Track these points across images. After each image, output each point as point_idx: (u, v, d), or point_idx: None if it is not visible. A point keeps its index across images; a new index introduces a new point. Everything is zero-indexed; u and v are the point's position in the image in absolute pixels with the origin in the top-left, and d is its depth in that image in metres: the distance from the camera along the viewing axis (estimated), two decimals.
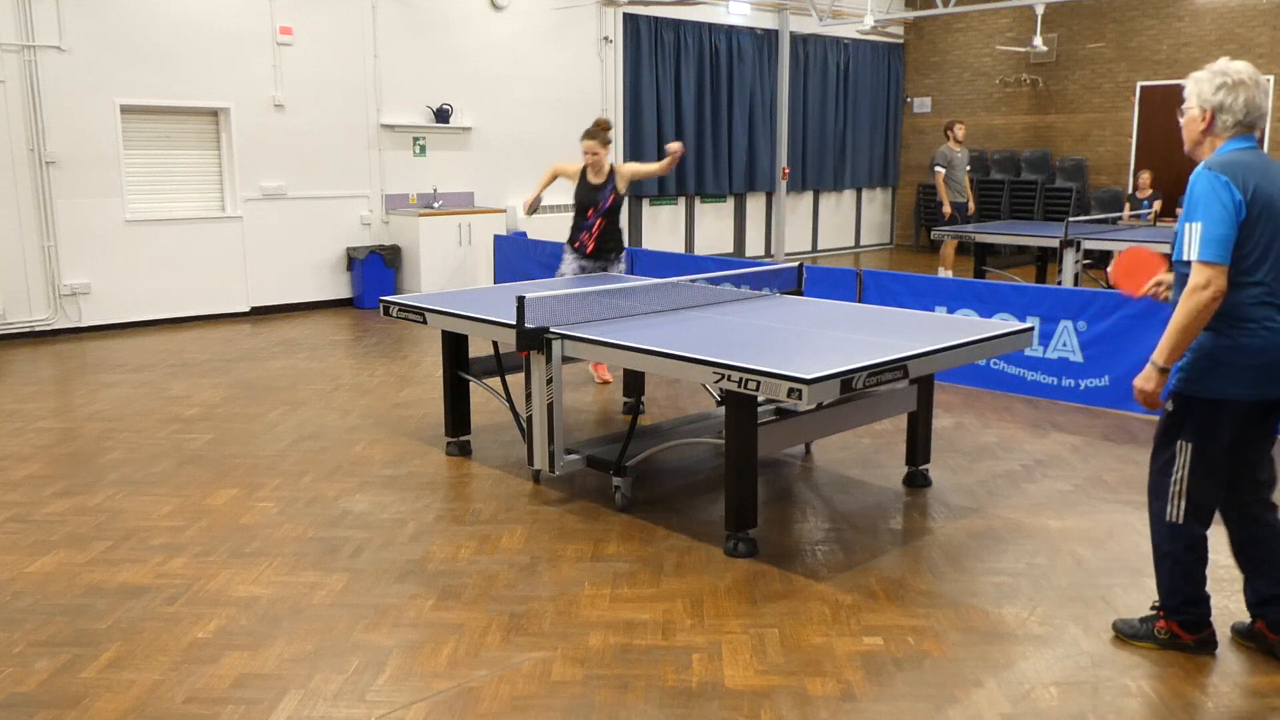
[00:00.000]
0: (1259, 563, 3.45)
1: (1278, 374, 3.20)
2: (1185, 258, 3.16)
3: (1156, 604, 3.57)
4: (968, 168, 12.56)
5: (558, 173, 7.17)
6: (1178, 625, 3.50)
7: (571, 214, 7.21)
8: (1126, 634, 3.61)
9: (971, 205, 12.65)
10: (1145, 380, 3.25)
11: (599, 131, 6.98)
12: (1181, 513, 3.38)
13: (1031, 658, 3.51)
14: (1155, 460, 3.45)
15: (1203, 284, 3.09)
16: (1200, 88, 3.29)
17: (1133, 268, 3.80)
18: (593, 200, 6.99)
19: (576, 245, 7.09)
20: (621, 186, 7.03)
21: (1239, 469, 3.40)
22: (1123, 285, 3.83)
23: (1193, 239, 3.13)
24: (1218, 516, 3.46)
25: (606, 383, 7.40)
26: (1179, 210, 3.39)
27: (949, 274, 12.06)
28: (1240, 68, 3.26)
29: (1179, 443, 3.34)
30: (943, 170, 12.35)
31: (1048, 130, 16.12)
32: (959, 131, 12.34)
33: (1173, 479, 3.37)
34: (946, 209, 12.36)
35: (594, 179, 7.02)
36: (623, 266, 7.33)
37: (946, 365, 4.57)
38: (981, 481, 5.36)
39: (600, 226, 7.02)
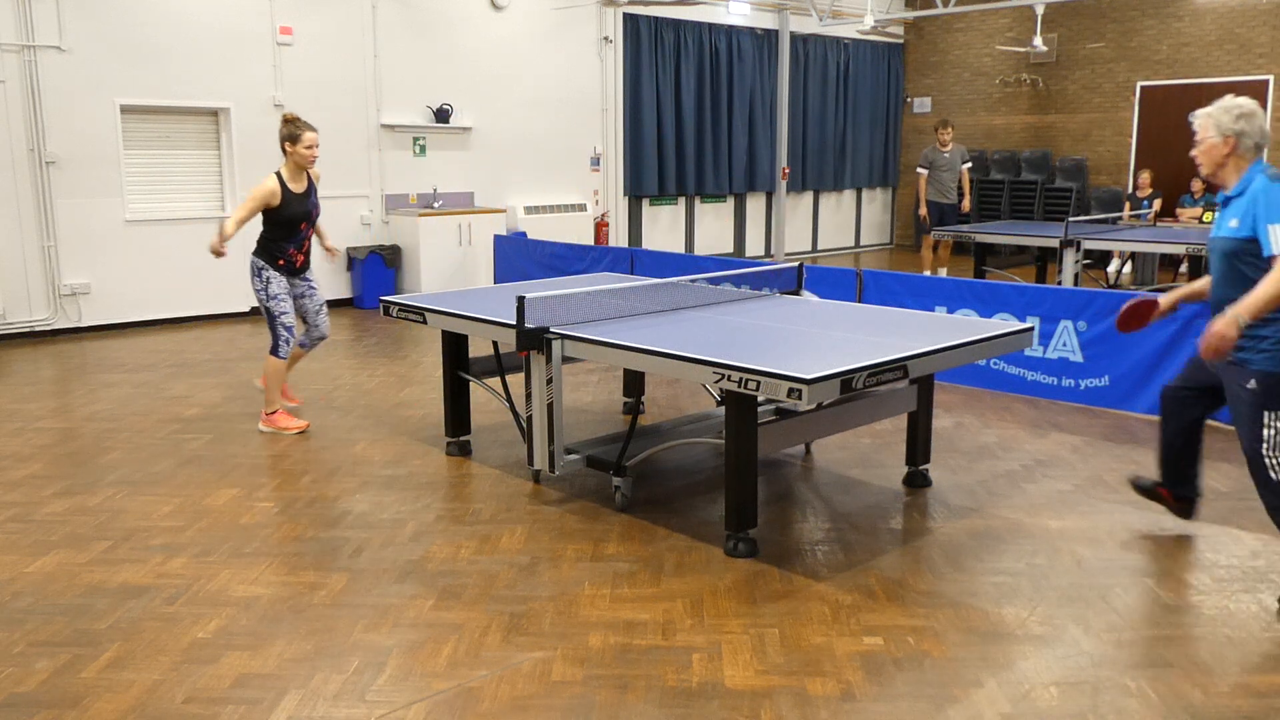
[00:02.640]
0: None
1: None
2: (1273, 253, 3.65)
3: None
4: (967, 164, 12.55)
5: (264, 201, 6.06)
6: None
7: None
8: None
9: (965, 204, 12.65)
10: (1229, 327, 3.62)
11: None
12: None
13: (1031, 658, 3.51)
14: (1248, 436, 3.86)
15: None
16: (1219, 119, 3.88)
17: (1131, 317, 4.43)
18: (305, 211, 6.20)
19: (283, 263, 6.19)
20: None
21: None
22: (1128, 329, 4.47)
23: (1277, 236, 3.66)
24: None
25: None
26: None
27: (943, 273, 12.09)
28: (1248, 100, 3.89)
29: (1266, 414, 3.80)
30: (925, 172, 12.37)
31: (1048, 130, 16.12)
32: (944, 133, 12.34)
33: (1266, 445, 3.82)
34: (923, 210, 12.40)
35: (298, 188, 6.16)
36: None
37: (946, 365, 4.57)
38: (981, 481, 5.36)
39: (310, 239, 6.34)
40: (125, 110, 9.68)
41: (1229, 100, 3.89)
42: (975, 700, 3.24)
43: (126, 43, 9.60)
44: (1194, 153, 4.00)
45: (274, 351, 6.21)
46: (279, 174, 6.11)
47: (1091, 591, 4.03)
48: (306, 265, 6.34)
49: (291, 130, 6.08)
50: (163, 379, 7.72)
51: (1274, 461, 3.80)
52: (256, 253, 6.19)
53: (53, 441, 6.11)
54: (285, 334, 6.18)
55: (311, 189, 6.26)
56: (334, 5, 10.93)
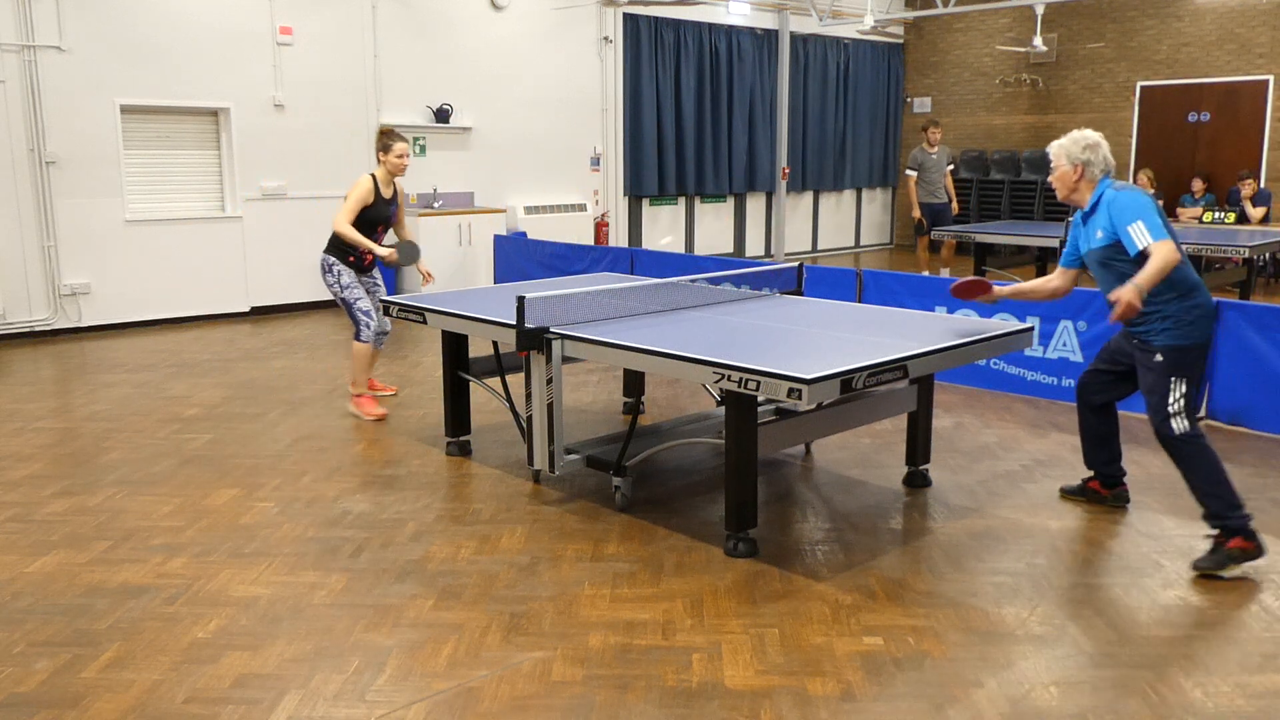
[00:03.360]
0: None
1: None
2: (1142, 247, 4.15)
3: (1215, 529, 4.24)
4: (950, 166, 12.55)
5: (362, 199, 6.48)
6: (1241, 538, 4.17)
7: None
8: (1211, 566, 4.19)
9: (955, 205, 12.65)
10: (1135, 296, 4.00)
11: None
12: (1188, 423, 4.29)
13: (1031, 658, 3.51)
14: (1158, 403, 4.31)
15: (1170, 250, 4.09)
16: (1069, 149, 4.43)
17: (969, 290, 4.88)
18: (386, 215, 6.62)
19: (352, 260, 6.59)
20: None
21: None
22: (964, 296, 4.91)
23: (1141, 231, 4.16)
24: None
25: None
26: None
27: (946, 273, 12.08)
28: (1093, 133, 4.46)
29: (1172, 379, 4.28)
30: (913, 174, 12.35)
31: (1048, 130, 16.10)
32: (933, 134, 12.32)
33: (1170, 402, 4.28)
34: (915, 213, 12.38)
35: (386, 193, 6.59)
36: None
37: (946, 365, 4.58)
38: (981, 481, 5.36)
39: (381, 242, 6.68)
40: (125, 110, 9.68)
41: (1077, 133, 4.46)
42: (975, 700, 3.24)
43: (126, 43, 9.60)
44: (1050, 179, 4.55)
45: (357, 337, 6.64)
46: (373, 176, 6.54)
47: (1091, 591, 4.03)
48: (374, 264, 6.74)
49: (384, 141, 6.51)
50: (163, 379, 7.72)
51: (1177, 414, 4.24)
52: (328, 250, 6.57)
53: (53, 441, 6.11)
54: (364, 318, 6.58)
55: (395, 198, 6.68)
56: (334, 5, 10.93)
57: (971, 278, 4.93)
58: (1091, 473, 5.00)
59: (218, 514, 4.90)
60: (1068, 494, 5.09)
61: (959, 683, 3.35)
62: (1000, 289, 4.88)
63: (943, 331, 4.76)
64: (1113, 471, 4.95)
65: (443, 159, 11.97)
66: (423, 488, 5.28)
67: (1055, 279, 4.76)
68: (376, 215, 6.53)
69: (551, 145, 13.03)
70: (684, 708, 3.20)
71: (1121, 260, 4.29)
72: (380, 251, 6.46)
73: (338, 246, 6.53)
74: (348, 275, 6.56)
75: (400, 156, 6.47)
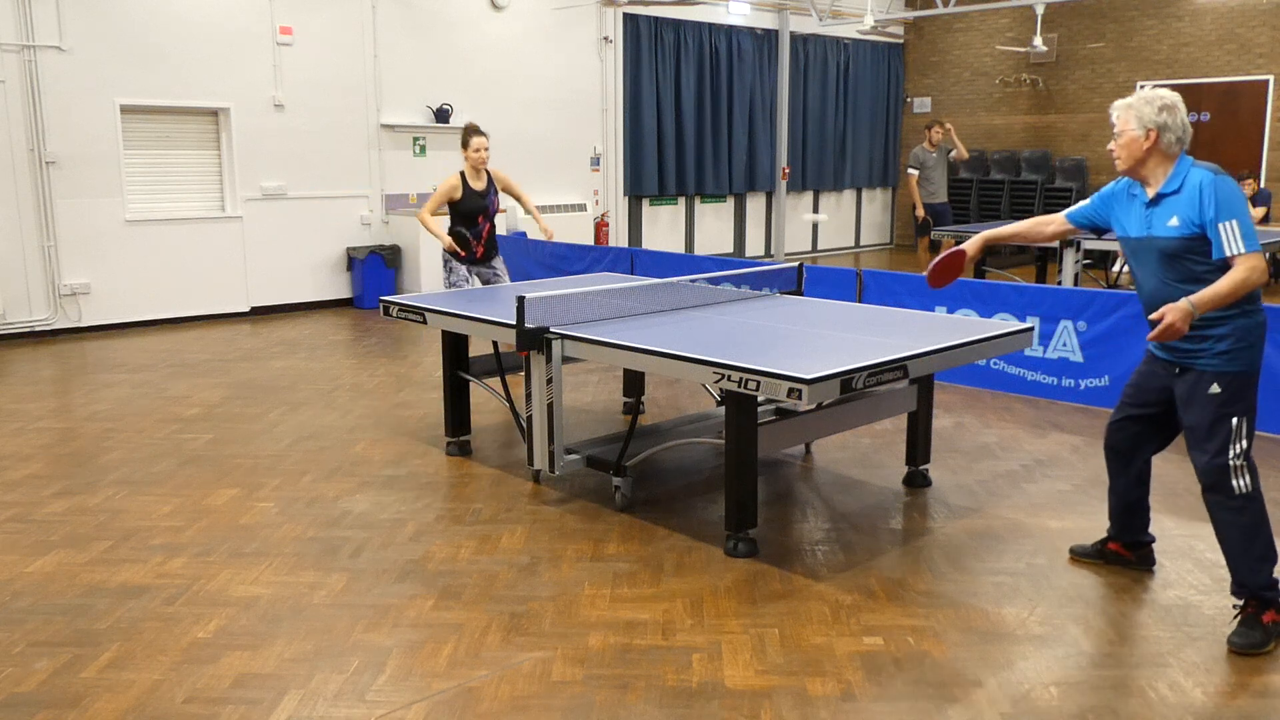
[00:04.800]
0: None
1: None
2: (1230, 254, 3.44)
3: (1243, 599, 3.62)
4: (951, 152, 12.52)
5: (447, 194, 6.99)
6: (1274, 610, 3.57)
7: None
8: (1254, 646, 3.53)
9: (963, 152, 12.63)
10: (1184, 320, 3.39)
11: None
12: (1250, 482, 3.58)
13: (1031, 658, 3.51)
14: (1213, 449, 3.57)
15: (1259, 266, 3.42)
16: (1140, 111, 3.68)
17: (943, 272, 4.22)
18: (483, 206, 7.05)
19: (464, 254, 7.07)
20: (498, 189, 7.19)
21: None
22: (940, 284, 4.27)
23: (1235, 234, 3.44)
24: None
25: None
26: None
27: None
28: (1170, 92, 3.70)
29: (1233, 420, 3.55)
30: (915, 173, 12.34)
31: (1048, 130, 16.12)
32: (935, 134, 12.30)
33: (1232, 454, 3.55)
34: (919, 212, 12.37)
35: (478, 185, 7.02)
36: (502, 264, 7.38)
37: (946, 365, 4.57)
38: (981, 481, 5.36)
39: (489, 231, 7.14)
40: (125, 110, 9.68)
41: (1150, 92, 3.72)
42: (975, 700, 3.24)
43: (126, 43, 9.60)
44: (1111, 146, 3.78)
45: None
46: (462, 173, 7.01)
47: (1091, 591, 4.03)
48: (490, 254, 7.18)
49: (464, 136, 6.99)
50: (163, 379, 7.72)
51: (1240, 468, 3.53)
52: (446, 247, 7.08)
53: (53, 441, 6.11)
54: None
55: (491, 187, 7.08)
56: (334, 5, 10.93)
57: (939, 257, 4.22)
58: (1109, 533, 4.25)
59: (218, 514, 4.90)
60: (1080, 557, 4.30)
61: (959, 683, 3.35)
62: (976, 239, 4.21)
63: (943, 331, 4.76)
64: (1144, 539, 4.21)
65: (443, 159, 11.96)
66: (423, 488, 5.28)
67: (1052, 225, 4.12)
68: (471, 206, 6.99)
69: (551, 145, 13.03)
70: (684, 708, 3.20)
71: (1198, 260, 3.52)
72: (443, 240, 6.95)
73: (453, 240, 7.03)
74: (457, 273, 7.05)
75: (476, 150, 6.91)
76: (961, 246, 4.18)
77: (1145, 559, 4.21)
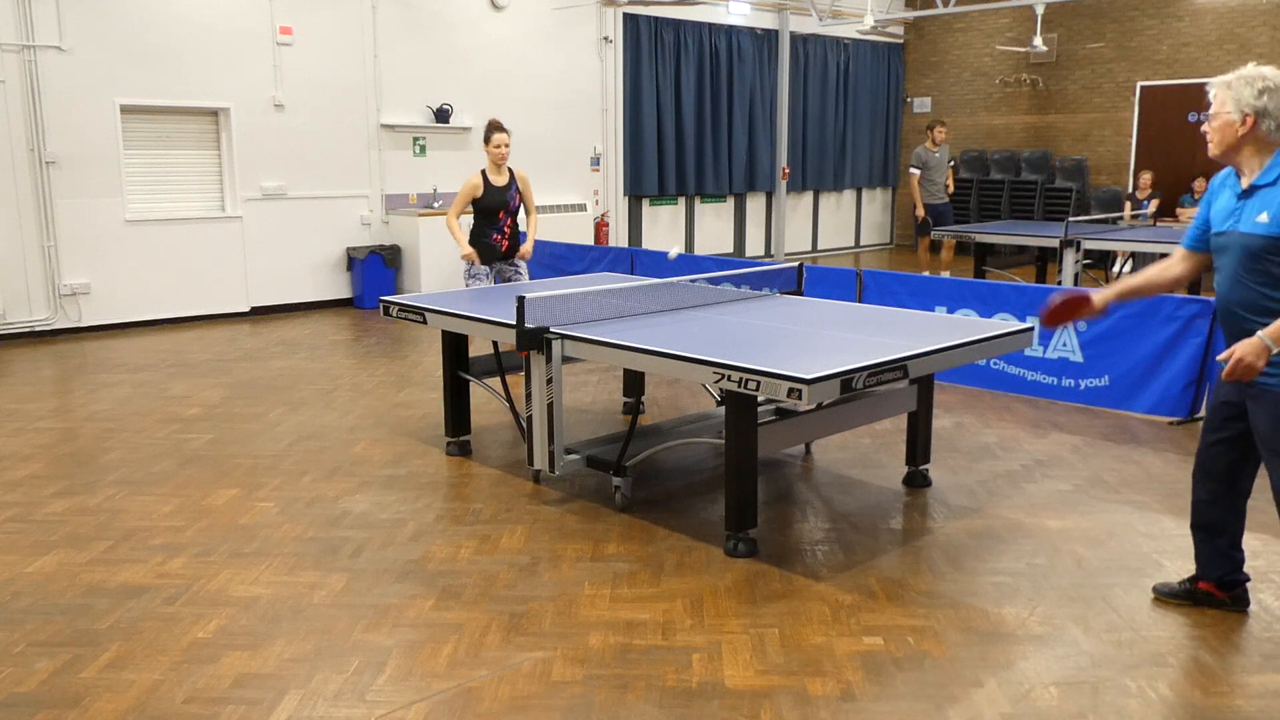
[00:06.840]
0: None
1: None
2: None
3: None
4: (951, 163, 12.54)
5: (469, 193, 7.17)
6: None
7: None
8: (1171, 595, 3.68)
9: (950, 185, 12.65)
10: (1259, 357, 3.16)
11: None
12: None
13: (1031, 658, 3.51)
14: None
15: None
16: (1239, 93, 3.28)
17: (1061, 313, 3.79)
18: (504, 201, 7.17)
19: (488, 246, 7.19)
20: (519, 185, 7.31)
21: None
22: (1054, 324, 3.85)
23: None
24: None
25: None
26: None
27: (946, 274, 12.08)
28: (1275, 72, 3.27)
29: None
30: (917, 172, 12.34)
31: (1048, 130, 16.12)
32: (938, 134, 12.31)
33: None
34: (920, 211, 12.38)
35: (499, 181, 7.18)
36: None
37: (946, 365, 4.57)
38: (981, 481, 5.36)
39: (511, 226, 7.27)
40: (125, 110, 9.68)
41: (1251, 70, 3.27)
42: (975, 700, 3.24)
43: (126, 43, 9.60)
44: (1205, 128, 3.42)
45: None
46: (483, 171, 7.20)
47: (1091, 591, 4.03)
48: (512, 250, 7.28)
49: (486, 133, 7.18)
50: (163, 379, 7.72)
51: None
52: (469, 241, 7.18)
53: (53, 441, 6.11)
54: None
55: (513, 184, 7.24)
56: (334, 5, 10.92)
57: (1063, 297, 3.76)
58: (1196, 570, 3.85)
59: (218, 514, 4.90)
60: (1164, 597, 3.91)
61: (959, 683, 3.35)
62: (1105, 292, 3.77)
63: (943, 331, 4.76)
64: (1237, 577, 3.78)
65: (443, 159, 11.97)
66: (423, 488, 5.28)
67: (1176, 265, 3.67)
68: (492, 203, 7.12)
69: (551, 145, 13.02)
70: (684, 708, 3.20)
71: None
72: (463, 249, 7.09)
73: (476, 236, 7.16)
74: (475, 274, 7.13)
75: (497, 146, 7.09)
76: (1089, 294, 3.77)
77: (1241, 600, 3.81)
